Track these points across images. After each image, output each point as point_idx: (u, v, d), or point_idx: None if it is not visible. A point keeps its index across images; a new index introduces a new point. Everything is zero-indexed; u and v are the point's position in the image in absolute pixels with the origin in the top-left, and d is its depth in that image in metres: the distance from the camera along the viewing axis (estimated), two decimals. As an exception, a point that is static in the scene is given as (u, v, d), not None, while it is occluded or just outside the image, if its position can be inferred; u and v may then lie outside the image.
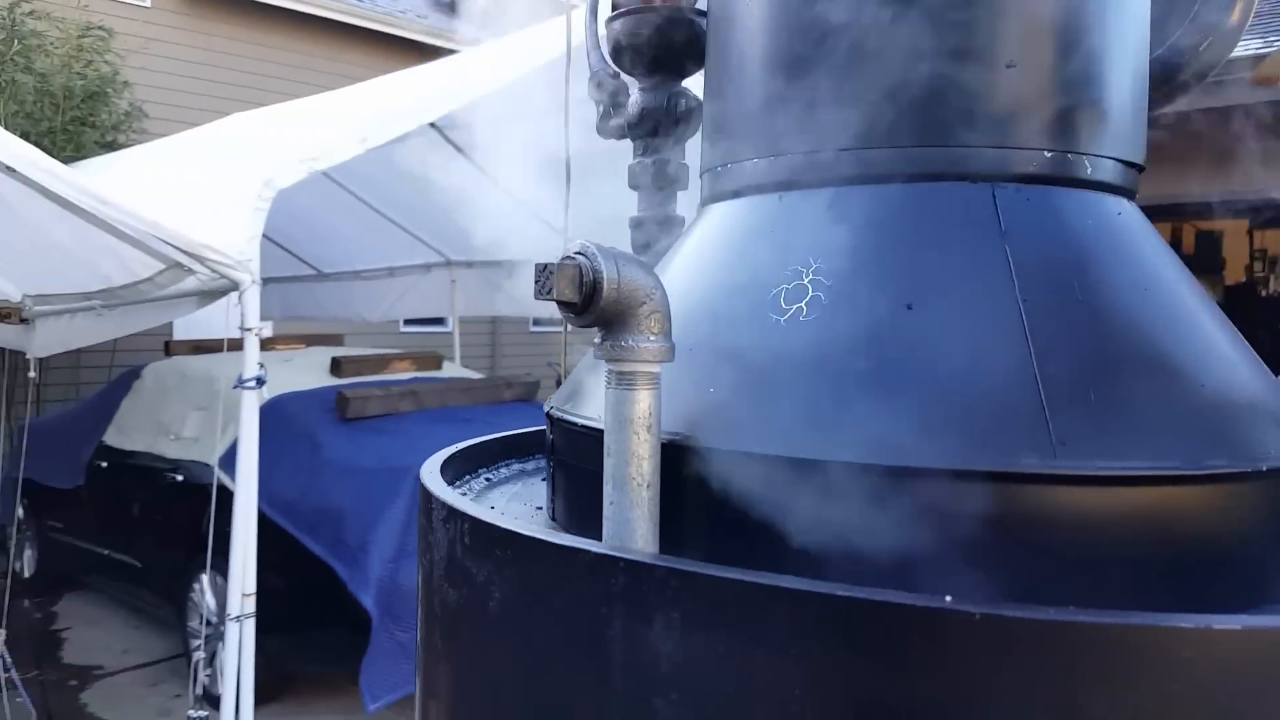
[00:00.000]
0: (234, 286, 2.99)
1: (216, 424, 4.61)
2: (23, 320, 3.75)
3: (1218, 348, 0.73)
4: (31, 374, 3.99)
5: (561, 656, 0.67)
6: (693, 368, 0.75)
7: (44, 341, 3.83)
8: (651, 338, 0.70)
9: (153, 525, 5.30)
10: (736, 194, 0.83)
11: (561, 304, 0.71)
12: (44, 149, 7.55)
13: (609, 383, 0.72)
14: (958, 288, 0.68)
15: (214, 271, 2.97)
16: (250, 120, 5.28)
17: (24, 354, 3.95)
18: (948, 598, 0.53)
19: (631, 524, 0.71)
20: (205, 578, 4.35)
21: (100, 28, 8.29)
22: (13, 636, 4.39)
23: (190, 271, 3.00)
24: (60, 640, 5.54)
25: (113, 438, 5.84)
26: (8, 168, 2.50)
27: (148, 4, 9.50)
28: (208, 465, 4.54)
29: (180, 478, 5.10)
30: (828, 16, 0.75)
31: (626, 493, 0.71)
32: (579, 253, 0.70)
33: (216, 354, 4.78)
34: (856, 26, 0.73)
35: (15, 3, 7.86)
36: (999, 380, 0.64)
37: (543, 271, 0.72)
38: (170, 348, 6.70)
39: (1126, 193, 0.81)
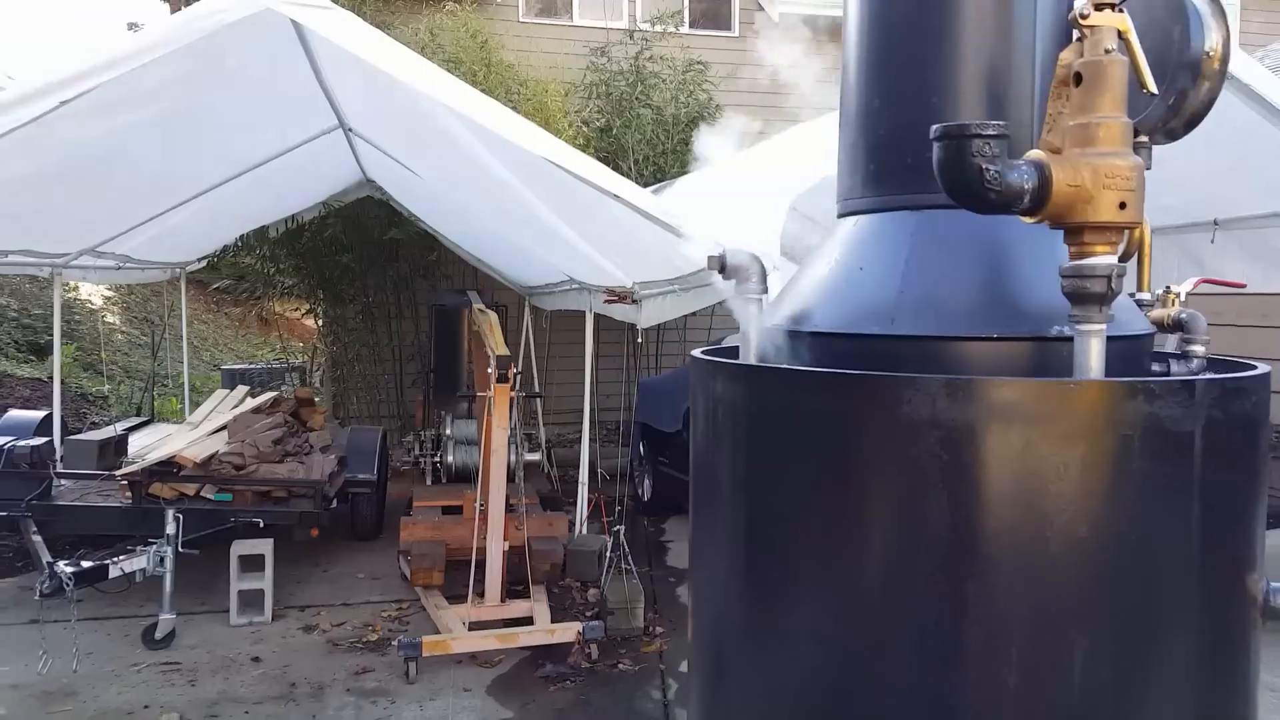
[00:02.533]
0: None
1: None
2: (634, 301, 5.35)
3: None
4: (639, 339, 5.61)
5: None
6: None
7: (647, 315, 5.37)
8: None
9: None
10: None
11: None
12: (658, 166, 9.77)
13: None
14: (882, 258, 1.14)
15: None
16: (792, 134, 6.36)
17: (635, 325, 5.57)
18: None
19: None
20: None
21: (699, 62, 10.36)
22: (633, 542, 6.15)
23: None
24: (665, 548, 7.41)
25: (700, 394, 7.55)
26: (615, 195, 3.84)
27: (735, 33, 11.44)
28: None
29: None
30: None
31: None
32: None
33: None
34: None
35: (640, 52, 10.30)
36: (886, 295, 1.09)
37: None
38: (743, 325, 8.28)
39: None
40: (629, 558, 5.89)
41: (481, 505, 5.41)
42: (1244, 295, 7.94)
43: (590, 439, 6.95)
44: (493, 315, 5.89)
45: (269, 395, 7.65)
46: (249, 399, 7.58)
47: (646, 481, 8.53)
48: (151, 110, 4.21)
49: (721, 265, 1.26)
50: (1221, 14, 1.11)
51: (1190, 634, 0.95)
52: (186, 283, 8.97)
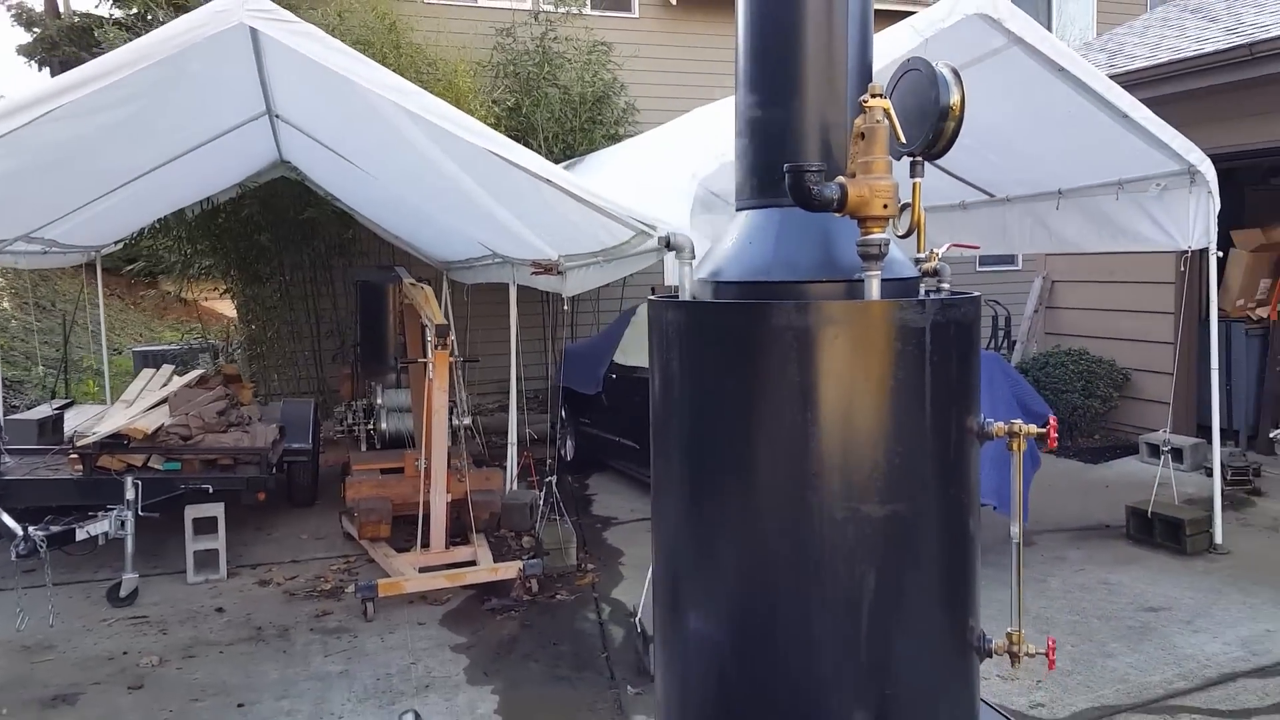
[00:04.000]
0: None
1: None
2: (559, 272, 6.05)
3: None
4: (565, 308, 6.32)
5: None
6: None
7: (572, 285, 6.07)
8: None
9: (646, 419, 7.55)
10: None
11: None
12: (566, 144, 10.41)
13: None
14: (763, 236, 1.89)
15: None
16: (696, 116, 7.13)
17: (561, 295, 6.26)
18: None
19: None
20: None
21: (602, 43, 11.00)
22: (560, 496, 6.88)
23: (649, 236, 4.83)
24: (590, 500, 8.17)
25: (620, 356, 8.31)
26: (543, 177, 4.52)
27: (635, 14, 12.11)
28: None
29: (659, 386, 7.24)
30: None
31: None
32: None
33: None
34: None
35: (545, 33, 10.88)
36: (765, 258, 1.86)
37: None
38: (655, 290, 9.07)
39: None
40: (560, 505, 6.62)
41: (424, 463, 6.03)
42: (1088, 256, 9.15)
43: (517, 403, 7.63)
44: (426, 288, 6.48)
45: (197, 373, 8.02)
46: (175, 377, 7.94)
47: (569, 442, 9.25)
48: (106, 117, 4.64)
49: (668, 243, 1.99)
50: (958, 80, 1.89)
51: (932, 449, 1.74)
52: (101, 268, 9.16)
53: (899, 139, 1.70)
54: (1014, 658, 1.93)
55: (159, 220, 9.07)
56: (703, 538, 1.84)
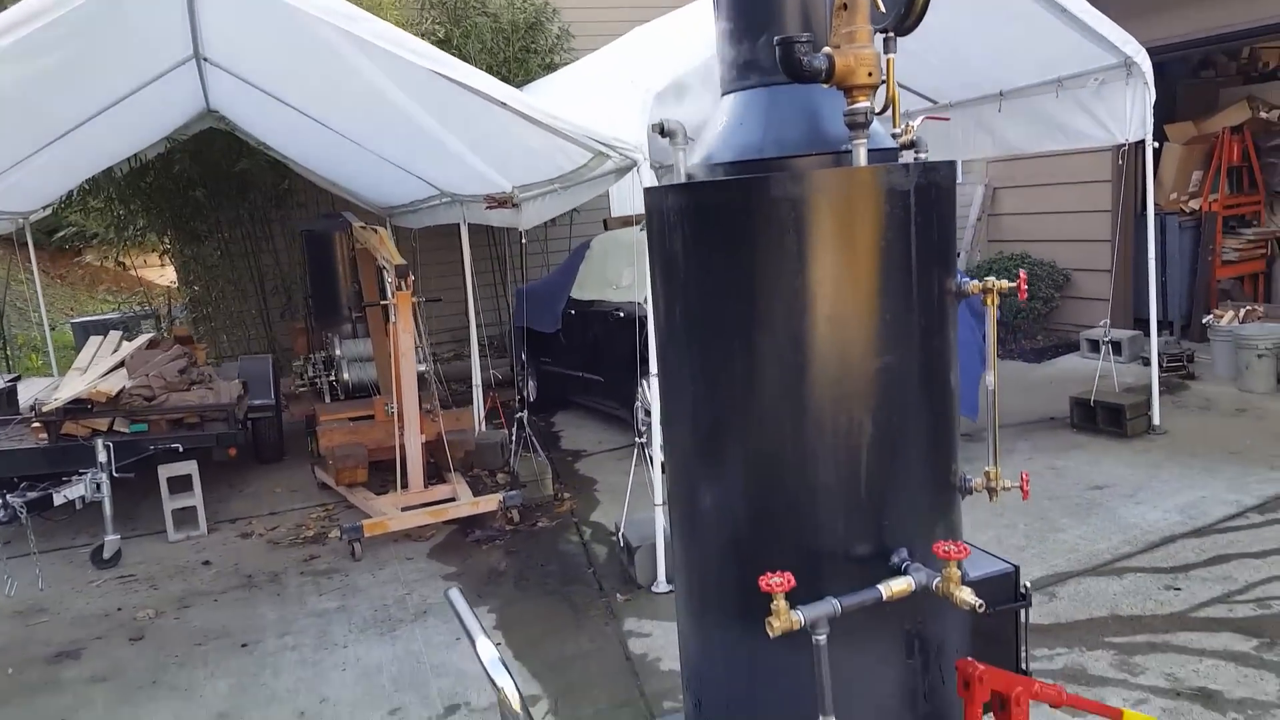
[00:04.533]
0: (634, 165, 4.81)
1: (643, 275, 6.65)
2: (515, 204, 6.08)
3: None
4: (523, 241, 6.37)
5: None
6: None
7: (528, 217, 6.11)
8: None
9: (607, 352, 7.70)
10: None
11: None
12: (501, 75, 10.28)
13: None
14: (753, 117, 2.02)
15: (623, 155, 4.80)
16: (636, 37, 7.13)
17: (517, 230, 6.30)
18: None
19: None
20: (644, 384, 6.47)
21: (532, -34, 10.76)
22: (532, 432, 7.01)
23: (608, 157, 4.89)
24: (558, 436, 8.31)
25: (577, 292, 8.39)
26: (498, 100, 4.53)
27: (564, -63, 11.83)
28: (639, 303, 6.63)
29: (622, 314, 7.37)
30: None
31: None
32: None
33: (637, 225, 6.83)
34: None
35: (473, -41, 10.59)
36: (756, 136, 1.99)
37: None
38: (607, 224, 9.14)
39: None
40: (533, 439, 6.76)
41: (395, 407, 6.10)
42: (1027, 161, 9.43)
43: (477, 346, 7.69)
44: (381, 230, 6.47)
45: (147, 337, 7.92)
46: (125, 343, 7.83)
47: (530, 383, 9.35)
48: (34, 65, 4.51)
49: (662, 129, 2.09)
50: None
51: (918, 306, 1.90)
52: (31, 236, 8.90)
53: (878, 8, 1.83)
54: (991, 493, 2.14)
55: (88, 181, 8.81)
56: (714, 403, 1.99)
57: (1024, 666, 2.26)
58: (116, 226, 9.95)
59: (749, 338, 1.90)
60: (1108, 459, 6.39)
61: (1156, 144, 6.76)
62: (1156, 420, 6.93)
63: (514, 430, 6.87)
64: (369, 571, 5.34)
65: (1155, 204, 6.86)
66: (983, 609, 1.80)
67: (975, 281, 2.05)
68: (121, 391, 6.14)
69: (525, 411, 6.76)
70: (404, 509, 5.87)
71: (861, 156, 1.81)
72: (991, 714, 2.05)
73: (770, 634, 1.74)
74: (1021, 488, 2.12)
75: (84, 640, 4.63)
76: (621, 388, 7.32)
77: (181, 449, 6.10)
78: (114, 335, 8.11)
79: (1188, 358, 8.28)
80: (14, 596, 5.10)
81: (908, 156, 2.04)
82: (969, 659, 1.99)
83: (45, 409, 5.84)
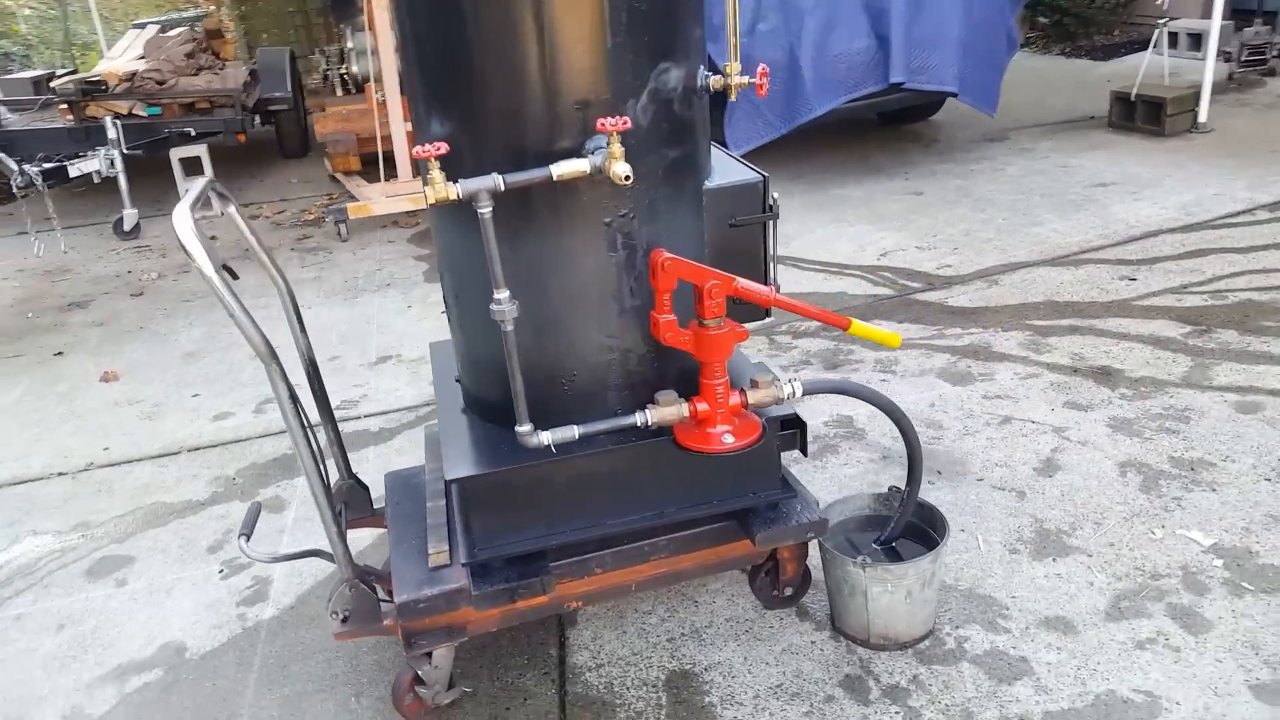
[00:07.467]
0: None
1: None
2: None
3: None
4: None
5: None
6: None
7: None
8: None
9: None
10: None
11: None
12: None
13: None
14: None
15: None
16: None
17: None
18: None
19: None
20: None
21: None
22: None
23: None
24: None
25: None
26: None
27: None
28: None
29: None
30: None
31: None
32: None
33: None
34: None
35: None
36: None
37: None
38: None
39: None
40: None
41: (381, 95, 6.41)
42: None
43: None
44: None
45: (178, 30, 8.36)
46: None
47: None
48: None
49: None
50: None
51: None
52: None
53: None
54: (729, 89, 2.03)
55: None
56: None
57: (772, 283, 2.18)
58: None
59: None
60: (1130, 158, 6.18)
61: None
62: (1203, 118, 6.57)
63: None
64: (351, 250, 5.95)
65: None
66: (629, 179, 1.73)
67: None
68: (134, 74, 6.67)
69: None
70: (389, 196, 6.37)
71: None
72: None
73: (427, 203, 1.76)
74: (758, 84, 2.05)
75: (94, 295, 5.48)
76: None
77: (193, 133, 6.69)
78: (151, 29, 8.60)
79: (1276, 53, 7.61)
80: (44, 258, 5.98)
81: None
82: (660, 249, 1.96)
83: (58, 83, 6.45)
